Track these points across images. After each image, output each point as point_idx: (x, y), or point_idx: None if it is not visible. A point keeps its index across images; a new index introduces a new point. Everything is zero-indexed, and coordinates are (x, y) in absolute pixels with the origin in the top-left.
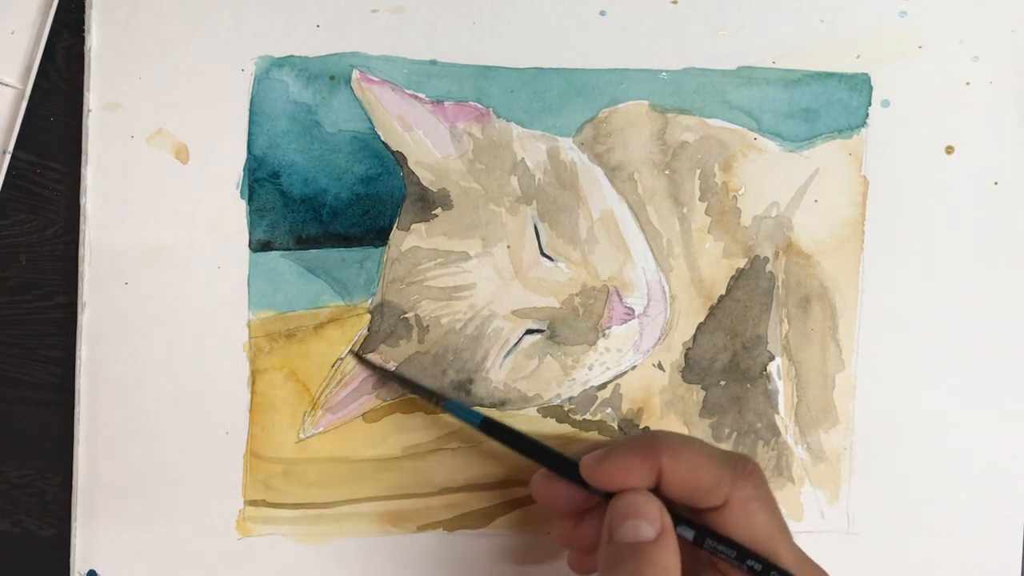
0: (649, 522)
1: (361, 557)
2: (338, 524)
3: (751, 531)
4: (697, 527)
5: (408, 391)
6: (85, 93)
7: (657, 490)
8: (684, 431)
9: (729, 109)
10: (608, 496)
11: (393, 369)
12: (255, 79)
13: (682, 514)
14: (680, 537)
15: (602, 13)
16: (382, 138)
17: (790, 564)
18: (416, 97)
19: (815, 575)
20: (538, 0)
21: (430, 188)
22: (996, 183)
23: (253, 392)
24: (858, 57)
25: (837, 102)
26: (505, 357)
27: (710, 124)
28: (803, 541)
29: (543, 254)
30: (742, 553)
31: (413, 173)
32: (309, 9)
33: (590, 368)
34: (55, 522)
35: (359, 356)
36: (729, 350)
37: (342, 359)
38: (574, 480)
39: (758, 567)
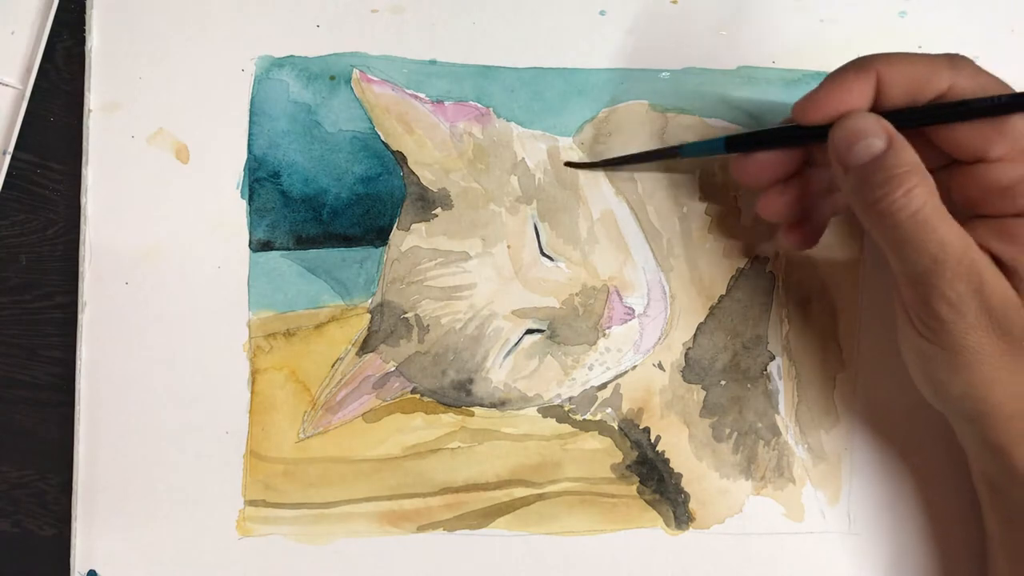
0: (876, 135)
1: (361, 557)
2: (338, 524)
3: (987, 92)
4: (928, 111)
5: (633, 163)
6: (85, 93)
7: (874, 110)
8: (684, 431)
9: (729, 109)
10: (822, 133)
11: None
12: (255, 79)
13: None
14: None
15: (602, 13)
16: (382, 138)
17: None
18: (416, 97)
19: None
20: (538, 0)
21: (430, 188)
22: None
23: (253, 392)
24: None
25: None
26: (505, 357)
27: (710, 124)
28: (804, 541)
29: (543, 254)
30: (980, 104)
31: (413, 173)
32: (309, 9)
33: (590, 368)
34: (55, 522)
35: (572, 163)
36: (729, 350)
37: (342, 359)
38: (792, 143)
39: (1003, 101)
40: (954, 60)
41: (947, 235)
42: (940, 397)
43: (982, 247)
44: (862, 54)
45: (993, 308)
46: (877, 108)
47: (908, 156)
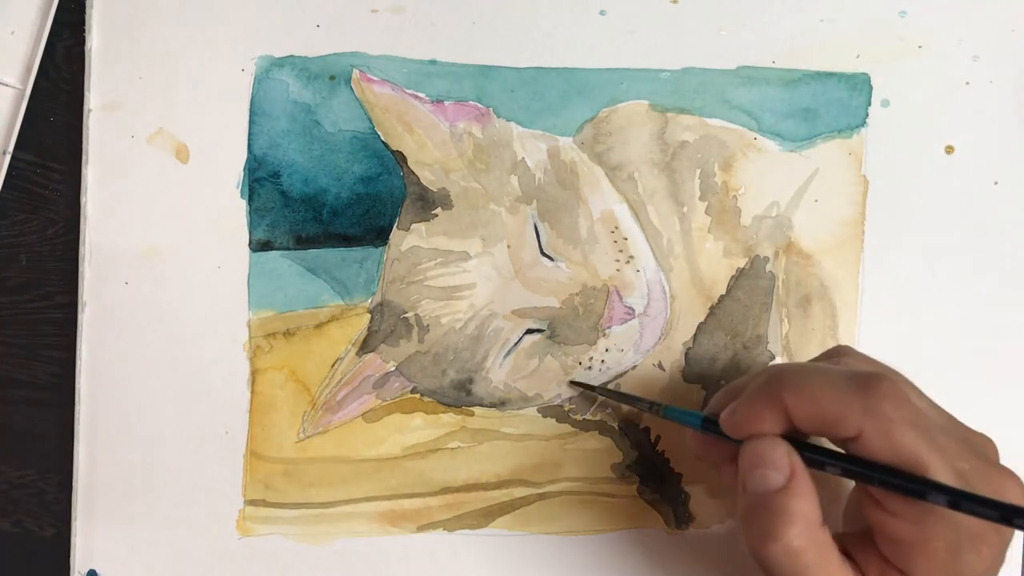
0: (776, 469)
1: (361, 557)
2: (338, 524)
3: (896, 455)
4: (827, 457)
5: (623, 403)
6: (85, 93)
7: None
8: (684, 431)
9: (729, 109)
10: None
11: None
12: (255, 79)
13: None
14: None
15: (602, 13)
16: (382, 138)
17: (943, 478)
18: (416, 97)
19: (992, 479)
20: (538, 0)
21: (430, 188)
22: (996, 183)
23: (253, 392)
24: (858, 57)
25: (837, 102)
26: (505, 357)
27: (710, 124)
28: None
29: (543, 254)
30: (886, 477)
31: (413, 173)
32: (309, 9)
33: (590, 368)
34: (55, 522)
35: (576, 383)
36: (729, 350)
37: (342, 359)
38: (721, 434)
39: (911, 487)
40: (866, 399)
41: None
42: None
43: None
44: (862, 55)
45: None
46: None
47: (798, 504)
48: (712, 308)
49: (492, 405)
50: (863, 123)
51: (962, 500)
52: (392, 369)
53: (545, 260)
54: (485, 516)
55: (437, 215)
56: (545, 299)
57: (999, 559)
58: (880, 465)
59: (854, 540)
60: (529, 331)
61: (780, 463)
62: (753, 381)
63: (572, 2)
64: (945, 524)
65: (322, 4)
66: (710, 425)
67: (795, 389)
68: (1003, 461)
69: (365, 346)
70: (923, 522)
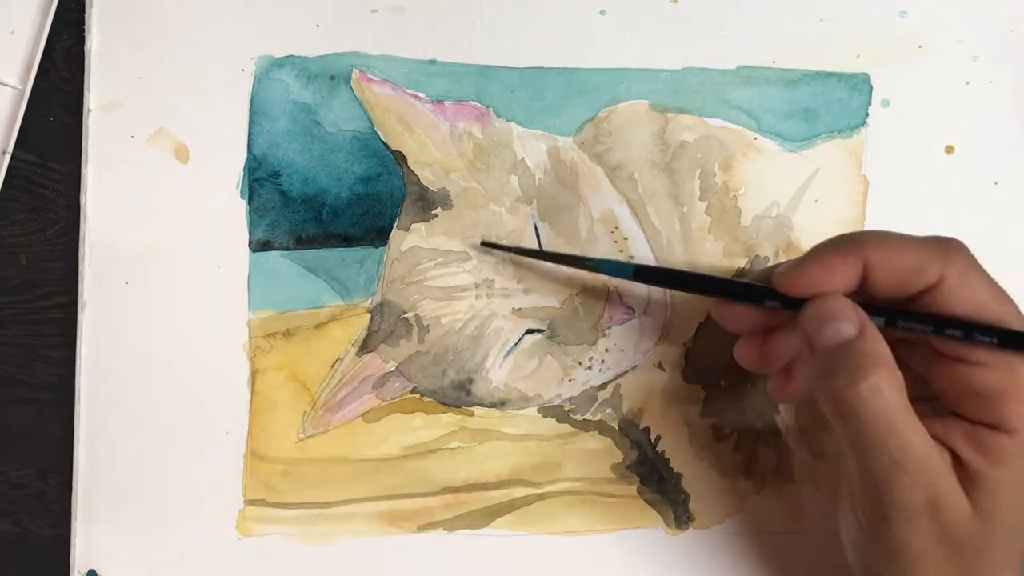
0: (848, 319)
1: (361, 557)
2: (338, 524)
3: (975, 298)
4: (903, 314)
5: (544, 260)
6: (85, 93)
7: (857, 293)
8: (684, 431)
9: (729, 109)
10: (796, 307)
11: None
12: (255, 79)
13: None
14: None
15: (602, 13)
16: (382, 138)
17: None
18: (416, 97)
19: None
20: (538, 0)
21: (430, 188)
22: (996, 183)
23: (253, 392)
24: (858, 57)
25: (837, 102)
26: (505, 357)
27: (710, 124)
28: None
29: None
30: (968, 326)
31: (413, 173)
32: (309, 9)
33: (590, 368)
34: (55, 522)
35: (488, 244)
36: (729, 350)
37: (342, 359)
38: (760, 302)
39: (988, 339)
40: (946, 250)
41: (911, 439)
42: None
43: (950, 448)
44: (862, 55)
45: (945, 522)
46: (861, 292)
47: (878, 347)
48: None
49: (492, 405)
50: (863, 123)
51: None
52: (392, 369)
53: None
54: (485, 516)
55: (437, 215)
56: (545, 299)
57: None
58: (959, 319)
59: (932, 419)
60: (529, 331)
61: (852, 315)
62: (819, 246)
63: (572, 2)
64: None
65: (322, 4)
66: (643, 273)
67: (877, 241)
68: None
69: (365, 346)
70: (1013, 366)
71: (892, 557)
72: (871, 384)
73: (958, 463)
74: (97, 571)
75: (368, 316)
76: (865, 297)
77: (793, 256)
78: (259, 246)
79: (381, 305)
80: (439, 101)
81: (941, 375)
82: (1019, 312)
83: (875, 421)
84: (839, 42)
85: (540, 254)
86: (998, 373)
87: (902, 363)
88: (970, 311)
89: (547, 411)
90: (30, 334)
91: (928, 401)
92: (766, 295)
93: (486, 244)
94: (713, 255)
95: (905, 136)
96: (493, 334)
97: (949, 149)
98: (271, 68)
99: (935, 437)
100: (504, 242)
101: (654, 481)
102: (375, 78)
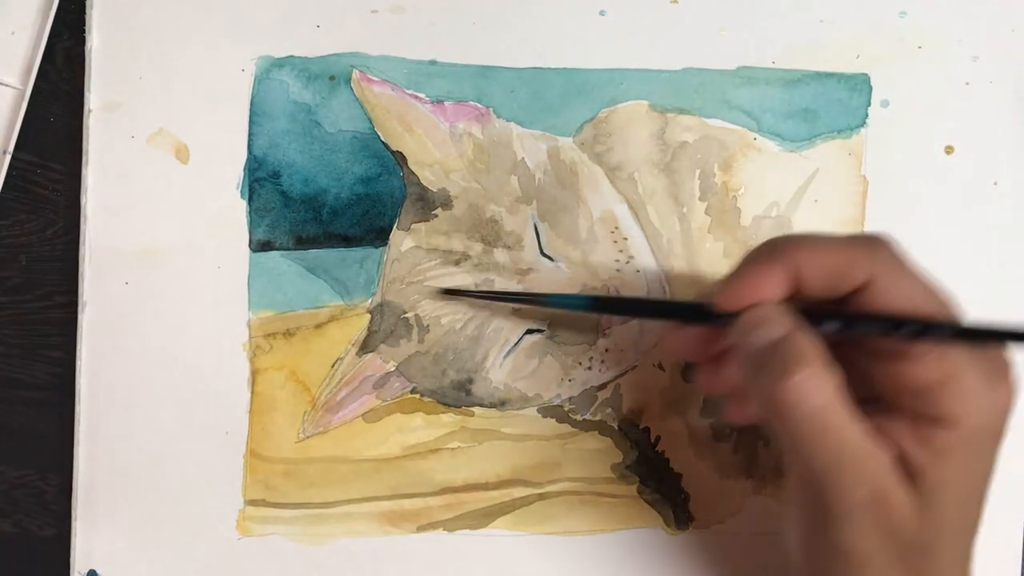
0: (774, 322)
1: (361, 557)
2: (338, 524)
3: (905, 295)
4: (839, 316)
5: (498, 300)
6: (85, 93)
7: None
8: (684, 431)
9: (729, 109)
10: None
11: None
12: (255, 79)
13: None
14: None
15: (602, 13)
16: (382, 138)
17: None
18: (416, 97)
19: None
20: (538, 0)
21: (430, 188)
22: (996, 183)
23: (253, 392)
24: (858, 57)
25: (837, 102)
26: (505, 357)
27: (710, 124)
28: None
29: (543, 254)
30: (889, 323)
31: (413, 173)
32: (309, 9)
33: (590, 368)
34: (55, 522)
35: (448, 291)
36: None
37: (342, 359)
38: (702, 321)
39: (915, 330)
40: (873, 248)
41: (847, 435)
42: None
43: (895, 444)
44: (862, 55)
45: (889, 519)
46: (796, 296)
47: (806, 345)
48: None
49: (492, 405)
50: (863, 123)
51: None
52: (392, 369)
53: (545, 260)
54: (485, 516)
55: (437, 215)
56: None
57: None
58: (886, 317)
59: (877, 418)
60: (529, 331)
61: (780, 319)
62: (746, 256)
63: (572, 2)
64: (969, 355)
65: (322, 4)
66: (599, 304)
67: (805, 243)
68: (1002, 461)
69: (365, 346)
70: (950, 359)
71: (837, 557)
72: (799, 381)
73: (904, 460)
74: (97, 571)
75: (368, 316)
76: (806, 302)
77: None
78: (259, 246)
79: (381, 305)
80: (439, 101)
81: (880, 372)
82: (952, 303)
83: (808, 418)
84: (839, 42)
85: (497, 295)
86: (935, 366)
87: (848, 363)
88: (903, 307)
89: (547, 411)
90: (30, 334)
91: (878, 401)
92: (707, 316)
93: (446, 292)
94: (713, 255)
95: (905, 136)
96: (493, 334)
97: (949, 149)
98: (271, 68)
99: (882, 435)
100: (507, 244)
101: (654, 481)
102: (375, 78)
